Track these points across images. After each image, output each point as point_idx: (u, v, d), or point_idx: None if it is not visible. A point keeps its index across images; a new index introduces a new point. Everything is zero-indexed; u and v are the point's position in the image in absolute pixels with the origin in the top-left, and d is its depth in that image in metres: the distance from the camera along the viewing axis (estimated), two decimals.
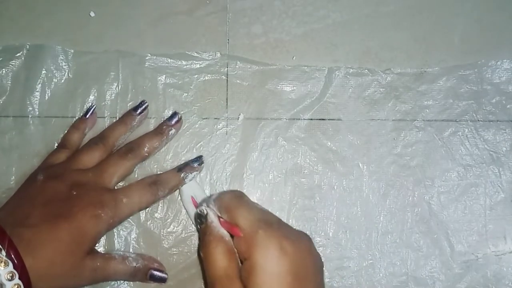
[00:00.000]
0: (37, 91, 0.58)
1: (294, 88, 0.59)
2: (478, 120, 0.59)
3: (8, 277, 0.42)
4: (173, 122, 0.57)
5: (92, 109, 0.57)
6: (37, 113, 0.58)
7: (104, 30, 0.59)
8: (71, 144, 0.55)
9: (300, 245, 0.44)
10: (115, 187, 0.53)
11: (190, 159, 0.56)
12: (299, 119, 0.58)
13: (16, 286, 0.43)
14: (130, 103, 0.58)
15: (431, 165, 0.58)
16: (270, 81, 0.59)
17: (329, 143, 0.58)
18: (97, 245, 0.55)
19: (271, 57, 0.60)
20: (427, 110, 0.59)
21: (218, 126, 0.58)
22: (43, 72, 0.58)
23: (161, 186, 0.53)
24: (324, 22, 0.61)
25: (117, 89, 0.58)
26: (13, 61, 0.58)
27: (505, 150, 0.58)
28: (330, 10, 0.61)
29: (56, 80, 0.58)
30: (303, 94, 0.59)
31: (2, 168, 0.57)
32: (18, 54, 0.58)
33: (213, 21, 0.60)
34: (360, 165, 0.58)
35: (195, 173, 0.56)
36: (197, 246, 0.56)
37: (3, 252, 0.43)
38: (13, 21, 0.59)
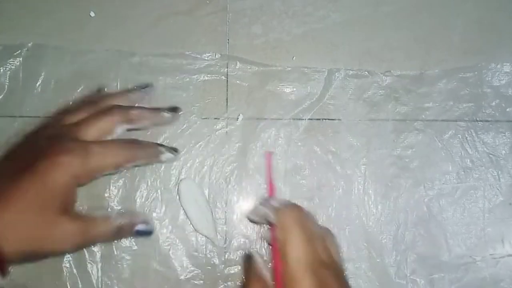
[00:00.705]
0: (36, 91, 0.58)
1: (294, 89, 0.59)
2: (478, 123, 0.59)
3: None
4: (170, 112, 0.56)
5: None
6: (36, 113, 0.57)
7: (104, 30, 0.59)
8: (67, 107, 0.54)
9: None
10: None
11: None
12: (299, 119, 0.58)
13: None
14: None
15: (430, 167, 0.58)
16: (270, 82, 0.59)
17: (328, 145, 0.58)
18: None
19: (271, 57, 0.60)
20: (427, 112, 0.59)
21: (218, 127, 0.58)
22: (42, 71, 0.58)
23: (140, 149, 0.51)
24: (324, 22, 0.61)
25: (117, 88, 0.58)
26: (12, 60, 0.58)
27: (504, 153, 0.58)
28: (330, 10, 0.61)
29: (55, 80, 0.58)
30: (303, 95, 0.59)
31: None
32: (17, 54, 0.58)
33: (213, 21, 0.60)
34: (360, 166, 0.58)
35: (171, 156, 0.54)
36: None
37: None
38: (13, 21, 0.59)
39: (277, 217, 0.48)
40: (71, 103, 0.56)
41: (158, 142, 0.55)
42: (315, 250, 0.46)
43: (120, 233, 0.50)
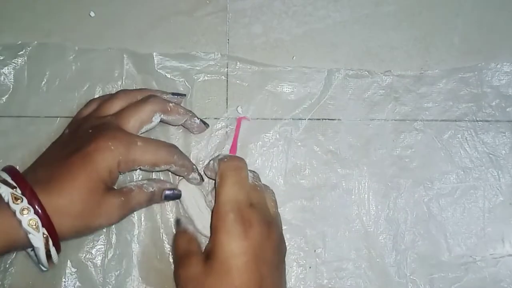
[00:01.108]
0: (41, 90, 0.58)
1: (294, 89, 0.59)
2: (478, 123, 0.59)
3: (24, 212, 0.43)
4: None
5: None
6: (41, 112, 0.58)
7: (104, 30, 0.59)
8: (102, 99, 0.55)
9: (263, 231, 0.48)
10: None
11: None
12: (299, 119, 0.58)
13: (31, 221, 0.43)
14: None
15: (430, 167, 0.58)
16: (270, 82, 0.59)
17: (328, 144, 0.58)
18: None
19: (271, 57, 0.60)
20: (426, 112, 0.59)
21: (218, 126, 0.58)
22: (47, 71, 0.58)
23: (178, 156, 0.53)
24: (324, 22, 0.61)
25: (121, 87, 0.58)
26: (16, 60, 0.58)
27: (504, 153, 0.58)
28: (330, 10, 0.61)
29: (60, 79, 0.58)
30: (303, 95, 0.59)
31: None
32: (21, 53, 0.58)
33: (213, 21, 0.60)
34: (360, 166, 0.58)
35: (203, 125, 0.57)
36: None
37: (18, 190, 0.44)
38: (13, 21, 0.59)
39: (219, 166, 0.51)
40: (106, 95, 0.57)
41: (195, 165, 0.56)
42: (245, 194, 0.49)
43: (152, 199, 0.53)
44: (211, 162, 0.53)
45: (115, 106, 0.53)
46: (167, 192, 0.54)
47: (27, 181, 0.44)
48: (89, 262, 0.55)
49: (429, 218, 0.57)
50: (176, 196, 0.55)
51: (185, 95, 0.58)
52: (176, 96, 0.57)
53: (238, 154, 0.58)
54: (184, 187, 0.55)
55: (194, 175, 0.54)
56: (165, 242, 0.56)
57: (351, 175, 0.58)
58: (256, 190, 0.51)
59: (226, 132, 0.58)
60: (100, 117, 0.52)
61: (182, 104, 0.57)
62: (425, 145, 0.58)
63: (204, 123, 0.57)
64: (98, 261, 0.55)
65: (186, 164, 0.53)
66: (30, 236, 0.43)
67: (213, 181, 0.53)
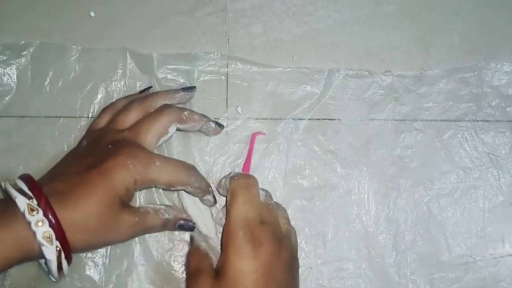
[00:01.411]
0: (45, 90, 0.58)
1: (294, 89, 0.59)
2: (478, 123, 0.59)
3: (39, 224, 0.43)
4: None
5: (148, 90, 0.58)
6: (44, 112, 0.58)
7: (104, 30, 0.59)
8: (115, 109, 0.56)
9: (274, 250, 0.47)
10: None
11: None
12: (299, 119, 0.58)
13: (46, 234, 0.43)
14: None
15: (430, 167, 0.58)
16: (270, 82, 0.59)
17: (328, 144, 0.58)
18: None
19: (271, 57, 0.60)
20: (426, 112, 0.59)
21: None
22: (50, 71, 0.58)
23: (196, 177, 0.53)
24: (324, 22, 0.61)
25: (124, 87, 0.59)
26: (19, 60, 0.58)
27: (504, 153, 0.58)
28: (330, 10, 0.61)
29: (63, 79, 0.58)
30: (303, 95, 0.59)
31: (10, 166, 0.57)
32: (24, 53, 0.58)
33: (213, 21, 0.60)
34: (360, 166, 0.58)
35: (218, 128, 0.57)
36: None
37: (34, 201, 0.43)
38: (13, 21, 0.59)
39: (229, 183, 0.51)
40: (119, 104, 0.57)
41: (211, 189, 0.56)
42: (255, 212, 0.49)
43: (166, 225, 0.54)
44: (223, 180, 0.53)
45: (130, 118, 0.53)
46: (182, 222, 0.54)
47: (44, 192, 0.44)
48: (89, 261, 0.55)
49: (429, 218, 0.57)
50: (190, 228, 0.55)
51: (195, 87, 0.58)
52: (188, 91, 0.57)
53: (238, 155, 0.58)
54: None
55: (208, 197, 0.55)
56: (166, 242, 0.56)
57: (351, 175, 0.58)
58: (268, 208, 0.51)
59: (226, 132, 0.58)
60: (118, 131, 0.52)
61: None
62: (425, 145, 0.58)
63: (220, 125, 0.57)
64: (99, 260, 0.55)
65: (203, 186, 0.54)
66: (43, 248, 0.43)
67: (225, 199, 0.53)
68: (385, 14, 0.61)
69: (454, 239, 0.57)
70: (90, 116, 0.58)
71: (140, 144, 0.51)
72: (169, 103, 0.56)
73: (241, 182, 0.51)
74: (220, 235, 0.55)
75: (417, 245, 0.57)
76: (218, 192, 0.55)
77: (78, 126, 0.57)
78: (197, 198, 0.55)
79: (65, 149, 0.57)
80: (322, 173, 0.58)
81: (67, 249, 0.45)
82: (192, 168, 0.53)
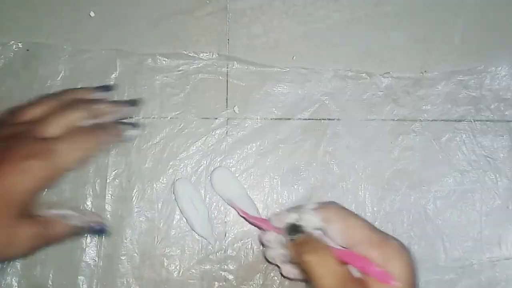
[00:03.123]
0: (34, 90, 0.58)
1: (292, 90, 0.59)
2: (476, 125, 0.58)
3: None
4: (131, 104, 0.56)
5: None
6: None
7: (104, 30, 0.60)
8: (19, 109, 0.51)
9: (411, 256, 0.44)
10: None
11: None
12: (297, 120, 0.58)
13: None
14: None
15: (427, 170, 0.58)
16: (269, 82, 0.59)
17: (326, 146, 0.58)
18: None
19: (271, 57, 0.60)
20: (425, 115, 0.59)
21: (215, 126, 0.58)
22: (40, 71, 0.58)
23: (103, 135, 0.50)
24: (324, 22, 0.61)
25: (114, 88, 0.58)
26: (10, 60, 0.58)
27: (502, 156, 0.58)
28: (330, 10, 0.61)
29: (52, 79, 0.58)
30: (301, 96, 0.59)
31: None
32: (16, 53, 0.59)
33: (213, 21, 0.60)
34: (357, 168, 0.58)
35: (134, 132, 0.54)
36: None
37: None
38: (13, 21, 0.60)
39: (320, 209, 0.45)
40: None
41: (119, 121, 0.54)
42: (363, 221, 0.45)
43: (74, 233, 0.50)
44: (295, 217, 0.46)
45: (34, 112, 0.48)
46: (91, 225, 0.50)
47: None
48: (82, 263, 0.55)
49: (425, 220, 0.57)
50: (102, 231, 0.51)
51: (111, 86, 0.56)
52: (103, 90, 0.55)
53: (236, 155, 0.58)
54: (180, 186, 0.56)
55: (129, 133, 0.53)
56: (158, 244, 0.56)
57: (348, 177, 0.58)
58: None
59: (226, 132, 0.58)
60: (17, 124, 0.47)
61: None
62: (422, 148, 0.58)
63: (134, 102, 0.55)
64: (91, 261, 0.56)
65: (114, 135, 0.52)
66: None
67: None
68: (385, 14, 0.61)
69: (450, 242, 0.57)
70: None
71: (38, 136, 0.46)
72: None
73: (332, 206, 0.46)
74: (216, 235, 0.56)
75: (414, 248, 0.56)
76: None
77: None
78: (194, 197, 0.56)
79: None
80: (319, 174, 0.58)
81: None
82: (95, 129, 0.49)
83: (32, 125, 0.46)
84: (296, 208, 0.47)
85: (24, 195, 0.43)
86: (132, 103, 0.56)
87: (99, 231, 0.51)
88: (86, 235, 0.53)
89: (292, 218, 0.46)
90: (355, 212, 0.47)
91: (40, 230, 0.44)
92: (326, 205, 0.45)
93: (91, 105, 0.51)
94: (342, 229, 0.44)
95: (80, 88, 0.56)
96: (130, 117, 0.57)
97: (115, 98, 0.58)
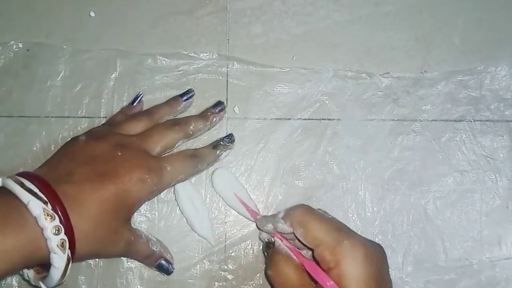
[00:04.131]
0: (34, 90, 0.58)
1: (292, 90, 0.59)
2: (476, 125, 0.58)
3: (54, 231, 0.40)
4: (217, 110, 0.57)
5: (140, 97, 0.58)
6: (34, 112, 0.58)
7: (104, 30, 0.60)
8: (115, 123, 0.54)
9: (378, 252, 0.47)
10: None
11: (221, 137, 0.57)
12: (297, 120, 0.58)
13: (61, 242, 0.41)
14: (126, 102, 0.58)
15: (427, 170, 0.58)
16: (269, 82, 0.59)
17: (326, 146, 0.58)
18: None
19: (271, 57, 0.60)
20: (425, 115, 0.59)
21: (216, 126, 0.58)
22: (40, 71, 0.59)
23: (200, 159, 0.54)
24: (324, 22, 0.61)
25: (114, 88, 0.59)
26: (10, 60, 0.59)
27: (502, 156, 0.58)
28: (330, 10, 0.61)
29: (52, 79, 0.59)
30: (301, 96, 0.59)
31: None
32: (15, 52, 0.59)
33: (213, 21, 0.60)
34: (357, 168, 0.58)
35: (228, 150, 0.57)
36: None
37: (49, 205, 0.41)
38: (13, 21, 0.60)
39: (286, 214, 0.50)
40: (120, 111, 0.58)
41: (213, 144, 0.56)
42: (335, 220, 0.49)
43: (149, 258, 0.53)
44: (270, 226, 0.51)
45: (137, 128, 0.53)
46: (163, 261, 0.54)
47: (59, 197, 0.42)
48: (82, 263, 0.56)
49: (425, 220, 0.57)
50: (168, 271, 0.54)
51: (192, 91, 0.58)
52: (188, 99, 0.58)
53: (236, 155, 0.58)
54: (181, 188, 0.56)
55: (223, 155, 0.56)
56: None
57: (348, 176, 0.58)
58: (337, 220, 0.51)
59: (226, 132, 0.58)
60: (123, 135, 0.51)
61: None
62: (422, 148, 0.58)
63: (220, 109, 0.58)
64: (91, 261, 0.56)
65: (209, 160, 0.55)
66: (53, 256, 0.41)
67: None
68: (385, 14, 0.61)
69: (450, 242, 0.57)
70: (78, 116, 0.58)
71: (148, 152, 0.51)
72: (174, 115, 0.57)
73: (299, 208, 0.50)
74: (216, 235, 0.56)
75: (413, 247, 0.56)
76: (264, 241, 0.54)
77: (66, 126, 0.58)
78: (195, 198, 0.56)
79: (52, 149, 0.57)
80: (319, 174, 0.58)
81: (73, 257, 0.43)
82: (193, 155, 0.53)
83: (140, 139, 0.51)
84: (272, 217, 0.52)
85: (134, 204, 0.48)
86: (218, 108, 0.58)
87: (166, 269, 0.54)
88: (152, 267, 0.54)
89: (268, 228, 0.51)
90: (323, 212, 0.52)
91: (134, 239, 0.49)
92: (293, 211, 0.50)
93: (187, 127, 0.55)
94: (304, 233, 0.48)
95: (168, 102, 0.58)
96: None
97: (124, 98, 0.58)
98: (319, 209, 0.52)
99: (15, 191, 0.41)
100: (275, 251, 0.50)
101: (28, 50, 0.59)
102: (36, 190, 0.42)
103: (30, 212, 0.40)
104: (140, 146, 0.50)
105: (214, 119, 0.57)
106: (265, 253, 0.53)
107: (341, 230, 0.47)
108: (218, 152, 0.56)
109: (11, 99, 0.58)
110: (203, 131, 0.56)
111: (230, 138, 0.57)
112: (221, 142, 0.56)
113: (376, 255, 0.46)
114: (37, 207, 0.40)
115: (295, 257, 0.49)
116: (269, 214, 0.55)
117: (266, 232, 0.52)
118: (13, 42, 0.59)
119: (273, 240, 0.51)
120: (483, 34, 0.60)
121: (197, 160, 0.53)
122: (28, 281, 0.46)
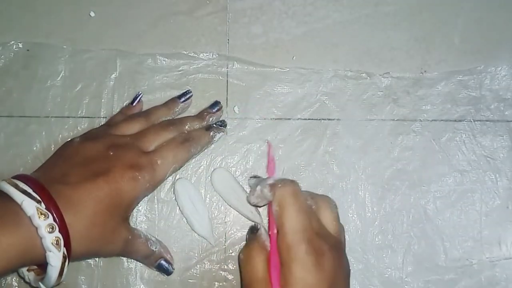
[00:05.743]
0: (34, 90, 0.58)
1: (292, 90, 0.59)
2: (476, 125, 0.58)
3: (48, 230, 0.41)
4: (214, 110, 0.57)
5: (139, 97, 0.58)
6: (34, 112, 0.58)
7: (104, 30, 0.60)
8: (113, 124, 0.55)
9: (335, 259, 0.46)
10: None
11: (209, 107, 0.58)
12: (297, 120, 0.58)
13: (56, 240, 0.41)
14: (126, 102, 0.58)
15: (427, 170, 0.58)
16: (269, 82, 0.59)
17: (326, 146, 0.58)
18: None
19: (271, 57, 0.60)
20: (424, 115, 0.59)
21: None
22: (40, 71, 0.59)
23: (193, 142, 0.54)
24: (324, 22, 0.61)
25: (114, 88, 0.59)
26: (10, 60, 0.59)
27: (502, 156, 0.58)
28: (330, 10, 0.61)
29: (53, 79, 0.59)
30: (301, 96, 0.59)
31: None
32: (16, 52, 0.59)
33: (213, 21, 0.60)
34: (357, 168, 0.58)
35: (222, 133, 0.57)
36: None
37: (43, 205, 0.42)
38: (13, 21, 0.60)
39: (273, 192, 0.48)
40: (120, 111, 0.58)
41: (206, 126, 0.57)
42: (309, 221, 0.47)
43: (148, 257, 0.53)
44: (259, 188, 0.49)
45: (133, 128, 0.53)
46: (163, 262, 0.54)
47: (53, 196, 0.43)
48: (82, 263, 0.56)
49: (425, 220, 0.57)
50: (168, 271, 0.54)
51: (190, 92, 0.58)
52: (185, 100, 0.58)
53: (236, 155, 0.58)
54: (180, 186, 0.56)
55: (217, 137, 0.57)
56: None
57: (348, 176, 0.58)
58: (313, 213, 0.49)
59: (226, 132, 0.58)
60: (117, 136, 0.52)
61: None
62: (422, 148, 0.58)
63: (221, 125, 0.58)
64: (91, 261, 0.56)
65: (204, 142, 0.55)
66: (49, 254, 0.42)
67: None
68: (385, 14, 0.61)
69: (450, 242, 0.57)
70: (78, 116, 0.58)
71: (140, 149, 0.51)
72: (172, 116, 0.57)
73: (288, 190, 0.48)
74: (216, 235, 0.56)
75: (413, 247, 0.56)
76: (249, 202, 0.53)
77: (66, 126, 0.58)
78: (194, 198, 0.56)
79: (52, 149, 0.57)
80: (319, 174, 0.58)
81: (70, 256, 0.43)
82: (185, 139, 0.53)
83: (134, 139, 0.52)
84: (261, 180, 0.52)
85: (129, 202, 0.48)
86: (215, 108, 0.58)
87: (166, 269, 0.54)
88: (152, 267, 0.54)
89: (256, 223, 0.53)
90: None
91: (131, 239, 0.50)
92: (280, 185, 0.48)
93: (182, 126, 0.55)
94: (277, 214, 0.47)
95: (166, 104, 0.58)
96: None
97: (124, 98, 0.59)
98: (307, 191, 0.51)
99: (10, 192, 0.42)
100: (253, 238, 0.49)
101: (28, 50, 0.59)
102: (29, 190, 0.43)
103: (24, 211, 0.41)
104: (134, 145, 0.51)
105: (211, 119, 0.57)
106: (247, 236, 0.52)
107: (307, 232, 0.46)
108: (212, 133, 0.56)
109: (11, 99, 0.58)
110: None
111: (222, 122, 0.57)
112: (214, 125, 0.56)
113: (331, 264, 0.45)
114: (30, 206, 0.41)
115: (268, 249, 0.48)
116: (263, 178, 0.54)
117: (254, 199, 0.51)
118: (13, 42, 0.59)
119: (258, 227, 0.50)
120: (483, 34, 0.60)
121: (189, 144, 0.53)
122: (29, 283, 0.47)
